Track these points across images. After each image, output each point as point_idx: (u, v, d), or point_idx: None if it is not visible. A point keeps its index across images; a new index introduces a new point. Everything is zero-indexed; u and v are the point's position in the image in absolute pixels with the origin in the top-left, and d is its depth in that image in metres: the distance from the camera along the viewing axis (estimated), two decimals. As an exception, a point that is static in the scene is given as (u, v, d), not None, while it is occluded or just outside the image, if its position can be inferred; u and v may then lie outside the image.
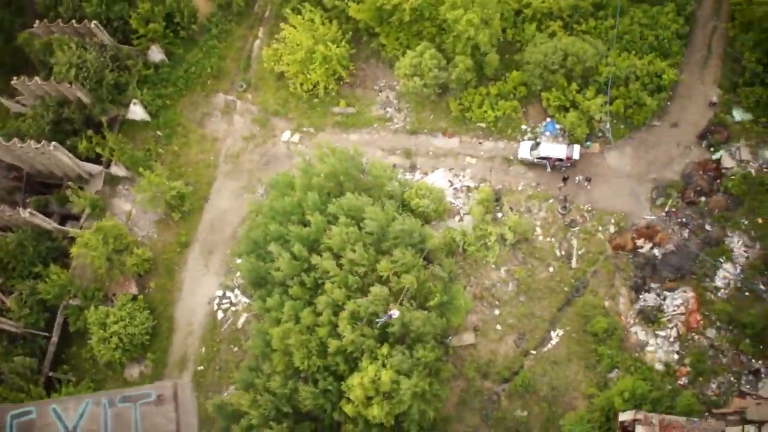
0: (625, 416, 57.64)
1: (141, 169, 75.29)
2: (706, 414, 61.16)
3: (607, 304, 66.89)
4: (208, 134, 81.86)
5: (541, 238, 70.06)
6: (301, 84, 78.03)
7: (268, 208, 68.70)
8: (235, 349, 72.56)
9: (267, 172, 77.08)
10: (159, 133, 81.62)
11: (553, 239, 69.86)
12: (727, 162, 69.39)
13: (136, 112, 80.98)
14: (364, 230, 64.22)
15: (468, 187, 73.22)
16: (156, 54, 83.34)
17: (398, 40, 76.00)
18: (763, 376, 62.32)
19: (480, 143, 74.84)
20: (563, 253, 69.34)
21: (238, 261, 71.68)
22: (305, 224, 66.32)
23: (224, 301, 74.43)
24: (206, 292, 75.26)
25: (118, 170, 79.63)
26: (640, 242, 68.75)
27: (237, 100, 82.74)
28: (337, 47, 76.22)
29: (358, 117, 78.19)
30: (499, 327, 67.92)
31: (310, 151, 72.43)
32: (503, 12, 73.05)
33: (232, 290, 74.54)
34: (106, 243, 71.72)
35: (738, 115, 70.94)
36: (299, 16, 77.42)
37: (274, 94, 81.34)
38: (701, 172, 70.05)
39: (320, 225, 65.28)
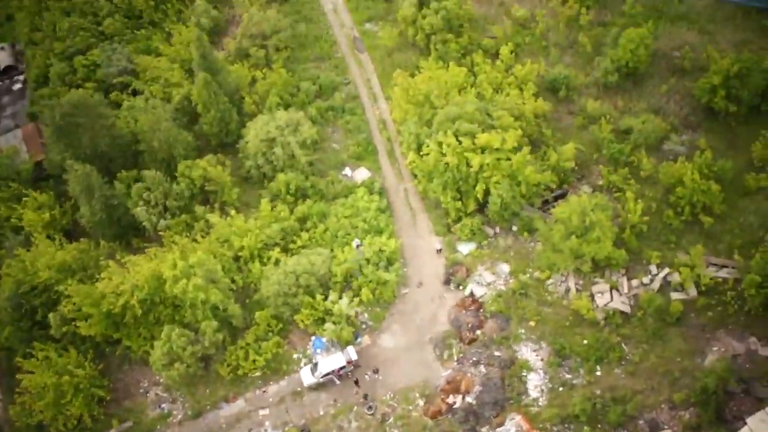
0: None
1: None
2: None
3: (455, 470, 65.81)
4: None
5: (364, 446, 68.40)
6: (64, 424, 72.07)
7: None
8: None
9: None
10: None
11: (376, 441, 68.46)
12: (479, 291, 73.65)
13: None
14: None
15: (274, 439, 70.52)
16: None
17: (141, 336, 73.99)
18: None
19: (265, 392, 73.02)
20: (392, 448, 68.03)
21: None
22: None
23: None
24: None
25: None
26: (450, 399, 69.36)
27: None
28: (84, 371, 72.24)
29: (138, 428, 73.31)
30: None
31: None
32: (223, 264, 74.33)
33: None
34: None
35: (464, 249, 76.48)
36: (33, 360, 72.93)
37: (42, 455, 74.45)
38: (464, 311, 73.53)
39: None
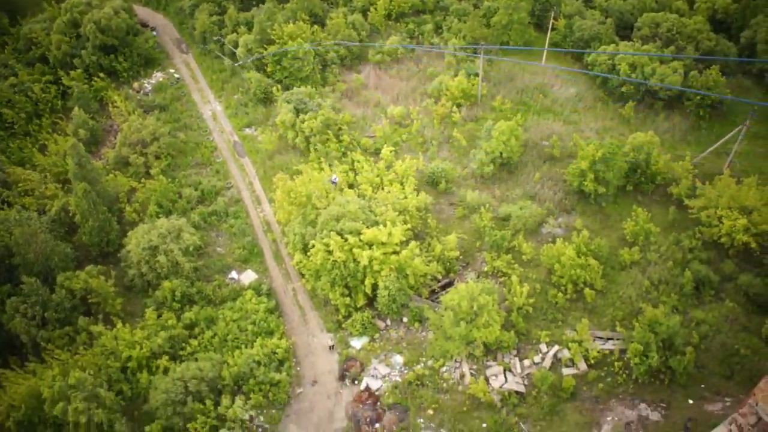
0: None
1: None
2: None
3: None
4: None
5: None
6: None
7: None
8: None
9: None
10: None
11: None
12: (374, 384, 72.77)
13: None
14: None
15: None
16: None
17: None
18: None
19: None
20: None
21: None
22: None
23: None
24: None
25: None
26: (354, 498, 67.30)
27: None
28: None
29: None
30: None
31: None
32: (110, 375, 70.79)
33: None
34: None
35: (357, 343, 75.97)
36: None
37: None
38: (362, 406, 72.23)
39: None
